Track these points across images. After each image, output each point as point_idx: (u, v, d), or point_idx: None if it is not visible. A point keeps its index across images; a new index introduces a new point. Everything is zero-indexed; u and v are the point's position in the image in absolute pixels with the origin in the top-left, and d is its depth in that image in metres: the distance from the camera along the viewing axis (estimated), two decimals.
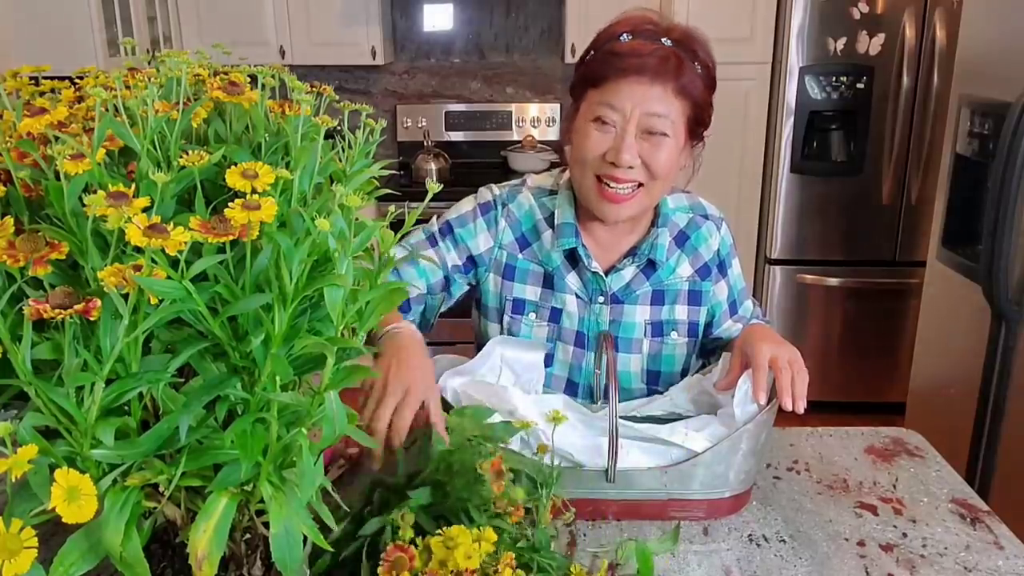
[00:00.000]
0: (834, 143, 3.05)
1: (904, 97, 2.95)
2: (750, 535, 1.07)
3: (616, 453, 1.01)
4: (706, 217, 1.32)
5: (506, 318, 1.29)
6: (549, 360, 1.28)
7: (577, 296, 1.27)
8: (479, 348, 1.31)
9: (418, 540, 0.83)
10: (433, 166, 3.42)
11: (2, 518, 0.55)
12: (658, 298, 1.28)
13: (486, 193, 1.32)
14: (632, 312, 1.28)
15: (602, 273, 1.25)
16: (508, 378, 1.22)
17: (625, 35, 1.14)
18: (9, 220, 0.62)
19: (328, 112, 0.77)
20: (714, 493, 1.08)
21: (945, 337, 2.28)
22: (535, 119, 3.64)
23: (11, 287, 0.61)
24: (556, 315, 1.28)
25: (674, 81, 1.11)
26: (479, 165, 3.63)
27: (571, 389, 1.30)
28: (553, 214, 1.27)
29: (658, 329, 1.29)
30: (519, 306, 1.29)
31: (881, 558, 1.03)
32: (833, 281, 3.17)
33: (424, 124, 3.62)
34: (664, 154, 1.14)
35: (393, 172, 3.31)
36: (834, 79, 2.96)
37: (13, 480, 0.54)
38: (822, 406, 3.13)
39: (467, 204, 1.31)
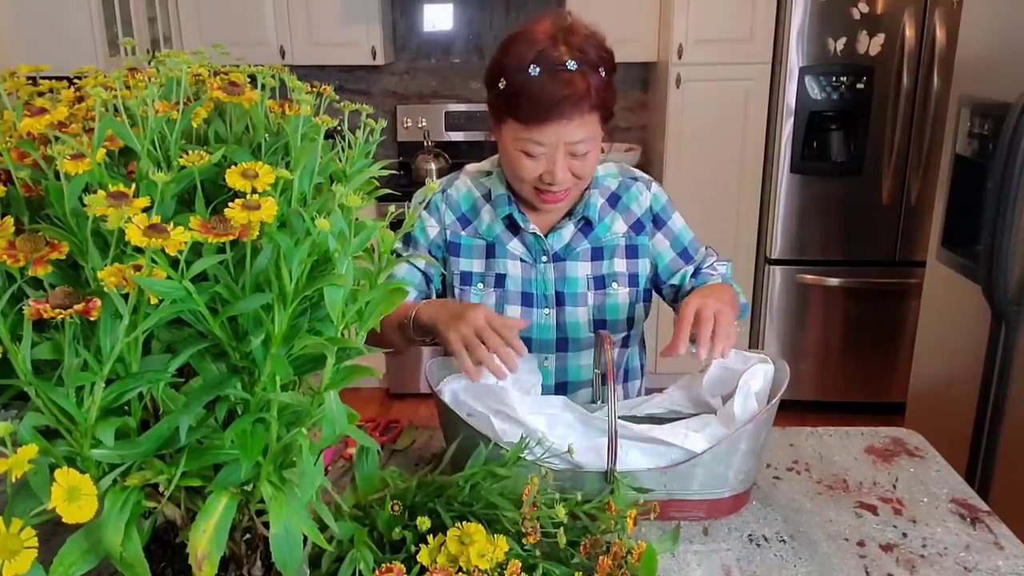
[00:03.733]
0: (834, 143, 3.04)
1: (904, 97, 2.95)
2: (750, 535, 1.07)
3: (616, 454, 1.01)
4: (635, 180, 1.43)
5: (456, 291, 1.40)
6: None
7: (522, 260, 1.39)
8: None
9: (429, 538, 0.83)
10: (433, 166, 3.42)
11: (2, 518, 0.55)
12: (597, 254, 1.39)
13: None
14: (574, 268, 1.38)
15: (540, 233, 1.36)
16: (506, 379, 1.21)
17: (533, 67, 1.19)
18: (9, 220, 0.62)
19: (328, 112, 0.76)
20: (714, 493, 1.08)
21: (945, 337, 2.28)
22: None
23: (11, 287, 0.61)
24: (501, 280, 1.39)
25: (587, 104, 1.20)
26: None
27: (526, 346, 1.36)
28: (490, 191, 1.39)
29: (600, 282, 1.39)
30: (466, 278, 1.40)
31: (881, 558, 1.03)
32: (833, 281, 3.17)
33: (424, 124, 3.62)
34: (590, 162, 1.27)
35: (393, 172, 3.30)
36: (834, 79, 2.96)
37: (13, 480, 0.54)
38: (822, 406, 3.16)
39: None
